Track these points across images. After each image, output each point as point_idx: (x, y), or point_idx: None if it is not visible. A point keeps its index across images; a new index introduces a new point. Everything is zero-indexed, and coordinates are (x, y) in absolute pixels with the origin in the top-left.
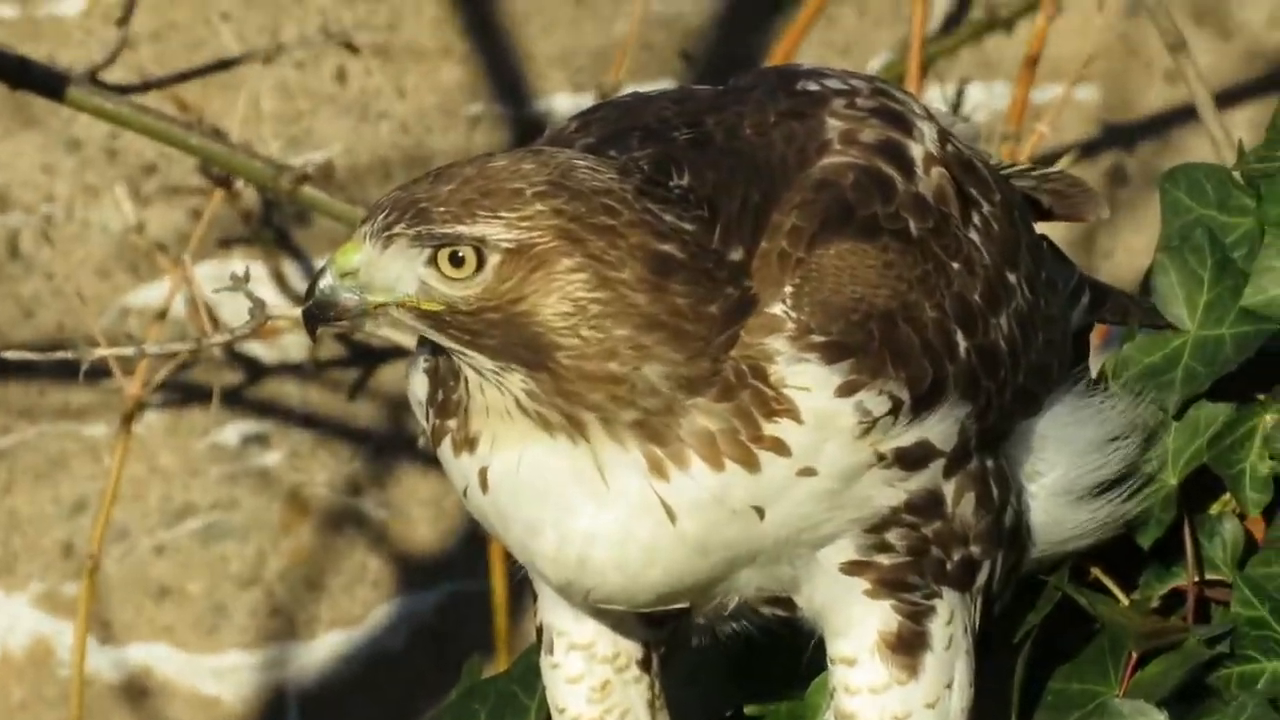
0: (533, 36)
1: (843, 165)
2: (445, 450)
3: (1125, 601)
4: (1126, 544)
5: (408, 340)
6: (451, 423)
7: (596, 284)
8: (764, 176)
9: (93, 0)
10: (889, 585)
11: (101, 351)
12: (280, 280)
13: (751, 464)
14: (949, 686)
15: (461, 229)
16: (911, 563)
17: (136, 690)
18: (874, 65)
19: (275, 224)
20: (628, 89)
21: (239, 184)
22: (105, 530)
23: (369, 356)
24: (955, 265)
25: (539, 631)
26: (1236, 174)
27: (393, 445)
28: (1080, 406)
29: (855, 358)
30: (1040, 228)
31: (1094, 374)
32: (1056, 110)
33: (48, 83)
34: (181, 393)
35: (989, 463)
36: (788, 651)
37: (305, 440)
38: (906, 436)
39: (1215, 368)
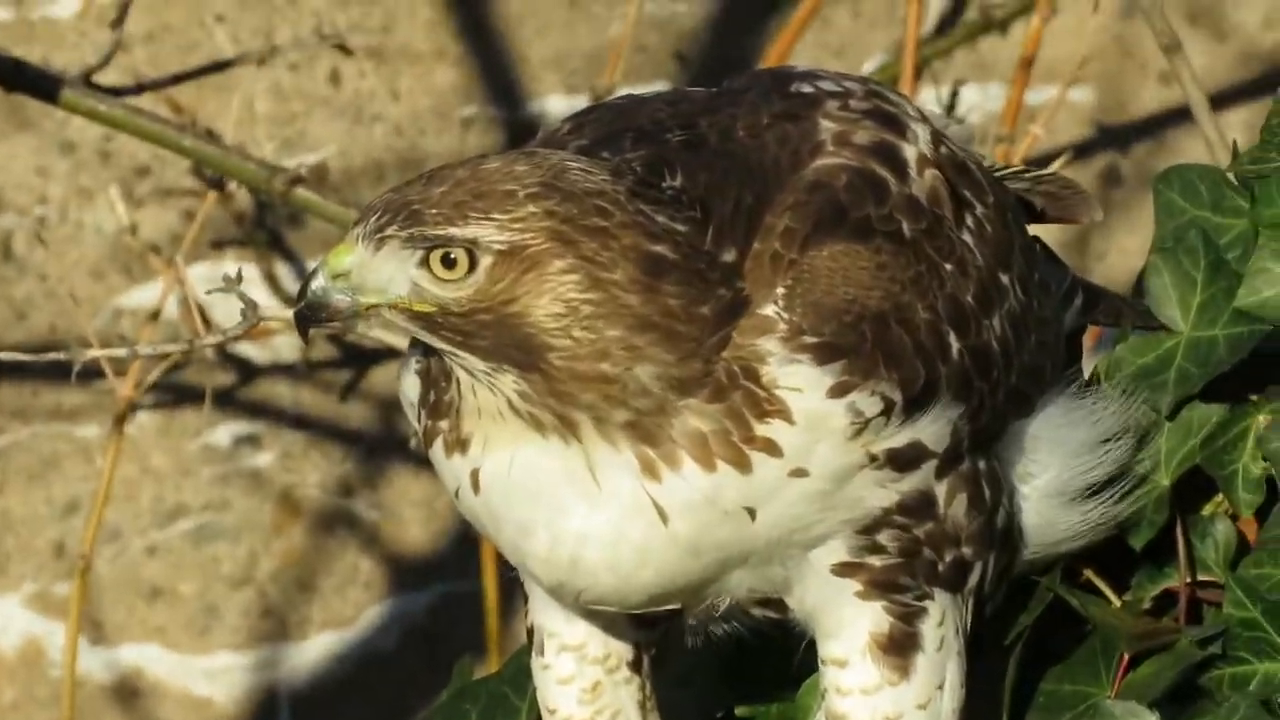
0: (527, 39)
1: (836, 167)
2: (437, 451)
3: (1117, 603)
4: (1119, 545)
5: (400, 341)
6: (443, 424)
7: (589, 285)
8: (757, 178)
9: (87, 2)
10: (880, 586)
11: (94, 352)
12: (273, 282)
13: (743, 465)
14: (940, 687)
15: (454, 231)
16: (903, 564)
17: (128, 691)
18: (868, 67)
19: (268, 226)
20: (622, 91)
21: (232, 186)
22: (97, 531)
23: (361, 358)
24: (948, 266)
25: (530, 632)
26: (1231, 175)
27: (385, 446)
28: (1073, 408)
29: (847, 359)
30: (1034, 229)
31: (1087, 375)
32: (1051, 112)
33: (42, 85)
34: (174, 394)
35: (981, 464)
36: (779, 653)
37: (297, 441)
38: (899, 437)
39: (1208, 369)
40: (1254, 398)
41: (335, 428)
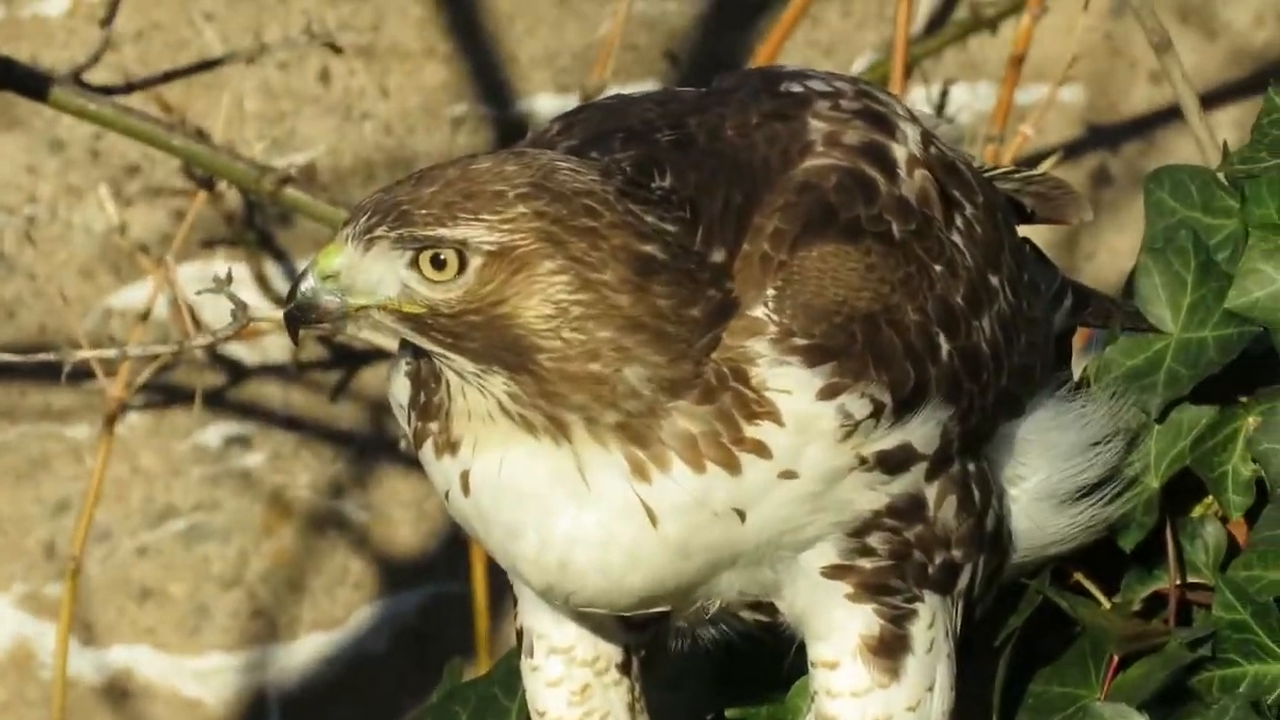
0: (516, 37)
1: (825, 167)
2: (427, 453)
3: (1107, 604)
4: (1108, 547)
5: (389, 343)
6: (433, 425)
7: (578, 286)
8: (746, 178)
9: (76, 0)
10: (870, 589)
11: (84, 353)
12: (263, 282)
13: (733, 466)
14: (930, 689)
15: (443, 231)
16: (893, 566)
17: (118, 692)
18: (858, 66)
19: (258, 225)
20: (612, 90)
21: (222, 185)
22: (87, 531)
23: (351, 359)
24: (938, 267)
25: (519, 634)
26: (1221, 175)
27: (375, 447)
28: (1062, 410)
29: (837, 360)
30: (1023, 230)
31: (1076, 377)
32: (1041, 111)
33: (31, 83)
34: (164, 394)
35: (971, 466)
36: (770, 655)
37: (287, 442)
38: (888, 439)
39: (1198, 370)
40: (1244, 399)
41: (325, 428)
